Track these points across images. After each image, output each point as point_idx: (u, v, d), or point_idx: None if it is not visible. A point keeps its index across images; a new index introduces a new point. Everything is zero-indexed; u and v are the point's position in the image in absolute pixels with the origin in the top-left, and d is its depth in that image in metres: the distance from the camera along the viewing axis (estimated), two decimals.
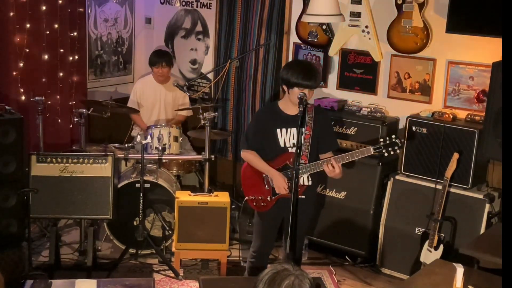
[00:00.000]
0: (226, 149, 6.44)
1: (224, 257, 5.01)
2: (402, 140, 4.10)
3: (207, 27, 6.48)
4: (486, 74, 4.81)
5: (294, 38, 5.85)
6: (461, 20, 4.71)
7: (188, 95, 5.96)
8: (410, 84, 5.28)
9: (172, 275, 5.02)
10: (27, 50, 5.67)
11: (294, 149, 4.10)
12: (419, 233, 4.91)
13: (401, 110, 5.30)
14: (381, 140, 4.09)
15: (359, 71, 5.54)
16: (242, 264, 5.16)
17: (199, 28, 6.55)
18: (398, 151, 4.09)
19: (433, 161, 4.89)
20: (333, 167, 4.03)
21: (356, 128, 5.22)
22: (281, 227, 4.38)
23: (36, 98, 5.14)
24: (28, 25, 5.65)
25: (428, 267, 4.00)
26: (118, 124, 6.23)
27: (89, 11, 6.34)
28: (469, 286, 3.40)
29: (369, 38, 5.31)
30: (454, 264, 3.46)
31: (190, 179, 6.42)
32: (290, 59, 5.86)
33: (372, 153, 4.07)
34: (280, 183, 4.10)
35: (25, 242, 4.77)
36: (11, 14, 5.52)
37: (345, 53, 5.59)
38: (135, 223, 5.20)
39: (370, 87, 5.49)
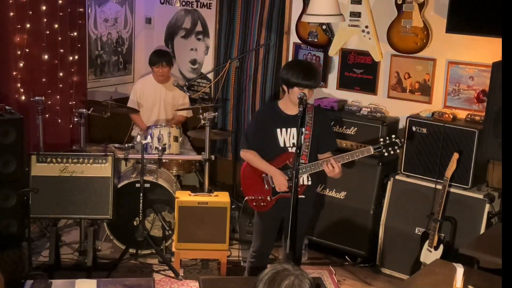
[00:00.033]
0: (226, 149, 6.44)
1: (224, 257, 5.01)
2: (402, 140, 4.10)
3: (207, 27, 6.48)
4: (486, 74, 4.81)
5: (294, 38, 5.85)
6: (461, 20, 4.71)
7: (188, 95, 5.96)
8: (410, 84, 5.28)
9: (172, 275, 5.02)
10: (27, 50, 5.68)
11: (294, 149, 4.10)
12: (419, 233, 4.91)
13: (401, 110, 5.30)
14: (381, 139, 4.09)
15: (359, 71, 5.54)
16: (242, 264, 5.16)
17: (199, 28, 6.55)
18: (398, 150, 4.09)
19: (433, 161, 4.89)
20: (333, 167, 4.03)
21: (356, 128, 5.22)
22: (280, 227, 4.38)
23: (36, 98, 5.14)
24: (28, 25, 5.65)
25: (428, 267, 4.00)
26: (118, 124, 6.23)
27: (89, 11, 6.34)
28: (469, 286, 3.40)
29: (369, 38, 5.31)
30: (454, 264, 3.46)
31: (190, 179, 6.42)
32: (290, 59, 5.86)
33: (372, 152, 4.07)
34: (280, 181, 4.10)
35: (25, 242, 4.77)
36: (11, 14, 5.52)
37: (345, 53, 5.59)
38: (135, 223, 5.20)
39: (370, 87, 5.49)
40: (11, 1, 5.51)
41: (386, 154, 4.09)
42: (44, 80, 5.85)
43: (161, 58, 6.02)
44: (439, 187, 4.76)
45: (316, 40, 5.69)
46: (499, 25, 4.02)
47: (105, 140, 5.57)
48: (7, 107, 4.76)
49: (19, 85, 5.68)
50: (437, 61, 5.13)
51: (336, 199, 5.28)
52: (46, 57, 5.83)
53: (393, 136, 4.08)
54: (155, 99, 6.10)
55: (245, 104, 6.23)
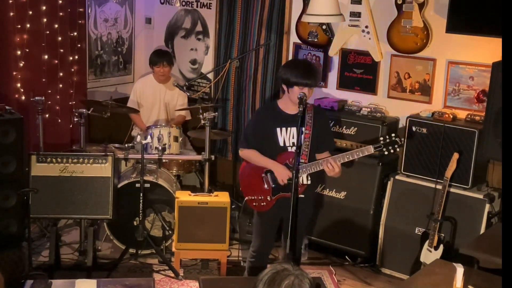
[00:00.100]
0: (226, 149, 6.44)
1: (224, 257, 5.01)
2: (402, 139, 4.10)
3: (207, 27, 6.48)
4: (486, 74, 4.81)
5: (294, 38, 5.85)
6: (461, 20, 4.71)
7: (188, 95, 5.96)
8: (410, 84, 5.28)
9: (172, 275, 5.02)
10: (27, 50, 5.67)
11: (293, 149, 4.10)
12: (419, 233, 4.91)
13: (401, 110, 5.30)
14: (381, 138, 4.09)
15: (359, 71, 5.54)
16: (242, 264, 5.16)
17: (199, 28, 6.55)
18: (398, 149, 4.09)
19: (433, 161, 4.89)
20: (333, 167, 4.03)
21: (356, 128, 5.22)
22: (280, 227, 4.38)
23: (36, 98, 5.14)
24: (28, 25, 5.65)
25: (428, 267, 4.00)
26: (118, 124, 6.23)
27: (89, 11, 6.34)
28: (469, 286, 3.40)
29: (369, 38, 5.31)
30: (454, 264, 3.46)
31: (190, 179, 6.42)
32: (290, 59, 5.85)
33: (373, 152, 4.07)
34: (282, 173, 4.09)
35: (25, 242, 4.77)
36: (11, 14, 5.52)
37: (345, 53, 5.59)
38: (135, 223, 5.20)
39: (370, 87, 5.49)
40: (11, 1, 5.51)
41: (386, 153, 4.09)
42: (44, 80, 5.85)
43: (162, 58, 6.02)
44: (439, 187, 4.76)
45: (316, 40, 5.69)
46: (499, 25, 4.02)
47: (105, 140, 5.57)
48: (7, 107, 4.76)
49: (19, 85, 5.68)
50: (437, 61, 5.13)
51: (336, 199, 5.28)
52: (46, 57, 5.83)
53: (393, 135, 4.08)
54: (155, 99, 6.10)
55: (245, 104, 6.23)
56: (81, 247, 5.13)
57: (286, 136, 4.15)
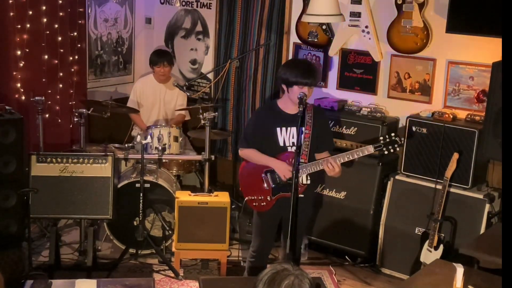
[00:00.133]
0: (226, 149, 6.44)
1: (224, 257, 5.01)
2: (402, 138, 4.10)
3: (207, 27, 6.48)
4: (486, 74, 4.81)
5: (294, 38, 5.85)
6: (461, 20, 4.71)
7: (188, 95, 5.96)
8: (410, 84, 5.28)
9: (172, 275, 5.02)
10: (27, 50, 5.67)
11: (293, 148, 4.10)
12: (419, 233, 4.91)
13: (401, 110, 5.30)
14: (381, 138, 4.10)
15: (359, 71, 5.54)
16: (242, 264, 5.16)
17: (199, 28, 6.55)
18: (398, 149, 4.10)
19: (433, 161, 4.89)
20: (333, 166, 4.03)
21: (356, 128, 5.21)
22: (279, 227, 4.38)
23: (36, 98, 5.14)
24: (28, 25, 5.65)
25: (428, 267, 4.00)
26: (118, 124, 6.23)
27: (89, 11, 6.34)
28: (469, 286, 3.40)
29: (369, 38, 5.31)
30: (454, 264, 3.46)
31: (190, 179, 6.42)
32: (289, 59, 5.85)
33: (373, 151, 4.08)
34: (283, 169, 4.08)
35: (25, 242, 4.77)
36: (11, 14, 5.52)
37: (345, 53, 5.59)
38: (135, 223, 5.20)
39: (370, 87, 5.49)
40: (11, 1, 5.51)
41: (386, 152, 4.09)
42: (44, 80, 5.86)
43: (162, 57, 6.02)
44: (439, 187, 4.76)
45: (316, 40, 5.69)
46: (499, 25, 4.02)
47: (105, 140, 5.57)
48: (7, 107, 4.76)
49: (19, 85, 5.68)
50: (437, 61, 5.13)
51: (336, 199, 5.28)
52: (46, 57, 5.83)
53: (393, 134, 4.09)
54: (155, 99, 6.10)
55: (245, 104, 6.23)
56: (81, 247, 5.13)
57: (286, 136, 4.15)
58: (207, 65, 6.54)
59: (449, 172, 4.64)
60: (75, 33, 6.06)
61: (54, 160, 4.73)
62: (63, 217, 5.28)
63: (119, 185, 5.20)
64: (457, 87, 5.06)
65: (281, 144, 4.15)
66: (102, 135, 6.15)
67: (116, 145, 5.59)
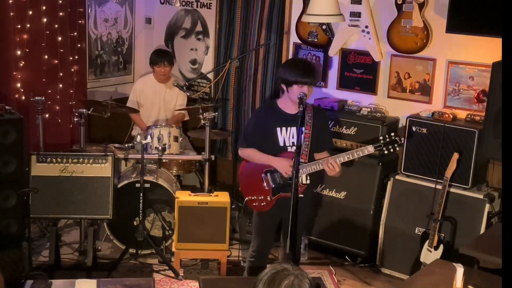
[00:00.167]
0: (226, 149, 6.44)
1: (224, 257, 5.01)
2: (402, 138, 4.11)
3: (207, 27, 6.48)
4: (486, 74, 4.80)
5: (294, 38, 5.85)
6: (461, 20, 4.71)
7: (188, 95, 5.96)
8: (410, 84, 5.28)
9: (172, 275, 5.02)
10: (27, 50, 5.67)
11: (293, 148, 4.10)
12: (419, 233, 4.91)
13: (401, 110, 5.30)
14: (381, 138, 4.10)
15: (359, 71, 5.54)
16: (242, 264, 5.16)
17: (199, 28, 6.55)
18: (397, 148, 4.10)
19: (433, 161, 4.89)
20: (333, 166, 4.04)
21: (356, 128, 5.21)
22: (279, 227, 4.38)
23: (36, 98, 5.14)
24: (28, 25, 5.65)
25: (428, 267, 4.01)
26: (118, 124, 6.23)
27: (89, 11, 6.34)
28: (469, 286, 3.40)
29: (369, 38, 5.31)
30: (454, 264, 3.46)
31: (190, 179, 6.42)
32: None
33: (373, 151, 4.08)
34: (285, 166, 4.08)
35: (25, 242, 4.76)
36: (11, 14, 5.52)
37: (345, 53, 5.59)
38: (135, 223, 5.20)
39: (370, 87, 5.49)
40: (11, 1, 5.51)
41: (386, 152, 4.10)
42: (44, 80, 5.86)
43: (163, 57, 6.02)
44: (439, 187, 4.76)
45: (316, 40, 5.69)
46: (499, 25, 4.02)
47: (105, 140, 5.57)
48: (7, 107, 4.76)
49: (19, 85, 5.68)
50: (437, 61, 5.13)
51: (336, 199, 5.28)
52: (46, 57, 5.83)
53: (393, 134, 4.09)
54: (154, 99, 6.10)
55: (245, 104, 6.23)
56: (81, 247, 5.13)
57: (286, 136, 4.15)
58: (207, 65, 6.54)
59: (449, 172, 4.64)
60: (75, 33, 6.06)
61: (54, 160, 4.73)
62: (63, 217, 5.28)
63: (119, 185, 5.20)
64: (457, 87, 5.06)
65: (281, 144, 4.15)
66: (102, 135, 6.15)
67: (116, 145, 5.59)
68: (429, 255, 4.67)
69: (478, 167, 4.79)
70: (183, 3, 6.61)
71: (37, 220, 5.40)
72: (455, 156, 4.65)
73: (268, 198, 4.21)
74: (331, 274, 5.17)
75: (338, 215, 5.27)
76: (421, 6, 5.02)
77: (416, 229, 4.95)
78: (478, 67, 4.93)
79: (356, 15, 5.29)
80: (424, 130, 4.93)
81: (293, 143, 4.13)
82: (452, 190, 4.78)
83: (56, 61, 5.92)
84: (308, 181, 4.19)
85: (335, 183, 5.18)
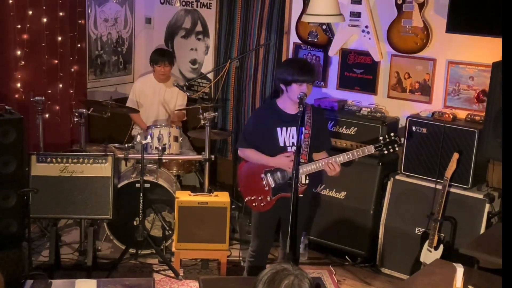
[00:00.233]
0: (226, 149, 6.44)
1: (224, 257, 5.01)
2: (402, 138, 4.11)
3: (207, 27, 6.48)
4: (486, 74, 4.80)
5: (294, 38, 5.84)
6: (461, 20, 4.71)
7: (188, 95, 5.96)
8: (410, 84, 5.28)
9: (172, 275, 5.02)
10: (27, 50, 5.67)
11: (293, 148, 4.10)
12: (419, 233, 4.91)
13: (401, 110, 5.30)
14: (381, 138, 4.11)
15: (359, 71, 5.54)
16: (242, 264, 5.16)
17: (199, 28, 6.55)
18: (397, 149, 4.12)
19: (433, 161, 4.89)
20: (334, 167, 4.04)
21: (356, 128, 5.21)
22: (278, 226, 4.38)
23: (36, 98, 5.14)
24: (28, 25, 5.65)
25: (428, 267, 4.00)
26: (118, 124, 6.23)
27: (89, 11, 6.34)
28: (469, 286, 3.40)
29: (369, 38, 5.31)
30: (454, 264, 3.46)
31: (190, 179, 6.42)
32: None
33: (373, 151, 4.09)
34: (287, 162, 4.07)
35: (25, 242, 4.76)
36: (11, 14, 5.52)
37: (345, 53, 5.59)
38: (135, 223, 5.20)
39: (370, 87, 5.49)
40: (11, 1, 5.51)
41: (386, 152, 4.12)
42: (44, 80, 5.85)
43: (164, 57, 6.03)
44: (439, 187, 4.76)
45: (316, 40, 5.69)
46: (499, 25, 4.02)
47: (105, 140, 5.57)
48: (7, 107, 4.76)
49: (19, 85, 5.68)
50: (437, 61, 5.13)
51: (336, 199, 5.28)
52: (46, 57, 5.83)
53: (392, 134, 4.11)
54: (154, 98, 6.10)
55: (245, 104, 6.23)
56: (81, 247, 5.13)
57: (286, 136, 4.15)
58: (207, 65, 6.54)
59: (449, 172, 4.64)
60: (75, 33, 6.06)
61: (54, 160, 4.73)
62: (63, 217, 5.28)
63: (119, 185, 5.20)
64: (457, 87, 5.05)
65: (281, 144, 4.15)
66: (102, 135, 6.15)
67: (116, 145, 5.58)
68: (429, 255, 4.67)
69: (478, 167, 4.79)
70: (183, 3, 6.61)
71: (37, 220, 5.40)
72: (455, 156, 4.65)
73: (268, 198, 4.21)
74: (331, 274, 5.17)
75: (338, 215, 5.27)
76: (421, 6, 5.02)
77: (416, 229, 4.95)
78: (478, 67, 4.93)
79: (356, 15, 5.29)
80: (424, 130, 4.93)
81: (293, 143, 4.13)
82: (452, 190, 4.78)
83: (56, 61, 5.92)
84: (307, 181, 4.19)
85: (335, 183, 5.18)
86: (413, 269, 4.72)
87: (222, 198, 5.05)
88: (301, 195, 4.11)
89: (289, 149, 4.14)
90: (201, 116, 5.18)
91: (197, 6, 6.52)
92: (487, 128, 4.38)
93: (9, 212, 4.66)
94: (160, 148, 5.30)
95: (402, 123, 5.20)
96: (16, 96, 5.67)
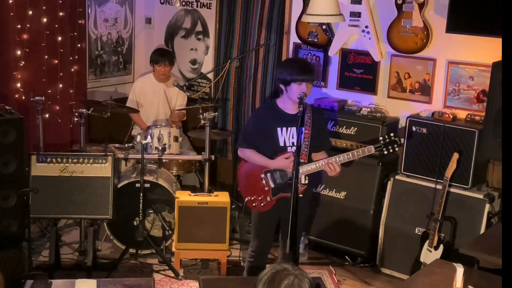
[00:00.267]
0: (226, 149, 6.44)
1: (224, 257, 5.01)
2: (401, 139, 4.11)
3: (207, 27, 6.48)
4: (486, 74, 4.80)
5: (294, 38, 5.84)
6: (461, 20, 4.71)
7: (188, 95, 5.96)
8: (410, 84, 5.28)
9: (172, 275, 5.02)
10: (27, 50, 5.67)
11: (293, 149, 4.10)
12: (419, 233, 4.91)
13: (401, 110, 5.30)
14: (381, 138, 4.12)
15: (359, 71, 5.54)
16: (242, 264, 5.16)
17: (199, 28, 6.55)
18: (397, 149, 4.12)
19: (433, 161, 4.89)
20: (334, 167, 4.04)
21: (356, 128, 5.21)
22: (277, 226, 4.38)
23: (36, 98, 5.14)
24: (28, 25, 5.65)
25: (428, 267, 4.00)
26: (118, 124, 6.23)
27: (89, 11, 6.34)
28: (469, 286, 3.40)
29: (369, 38, 5.31)
30: (454, 264, 3.46)
31: (190, 179, 6.42)
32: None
33: (373, 152, 4.09)
34: (287, 163, 4.07)
35: (25, 242, 4.76)
36: (11, 14, 5.52)
37: (345, 53, 5.59)
38: (135, 223, 5.20)
39: (370, 87, 5.49)
40: (11, 1, 5.51)
41: (385, 152, 4.12)
42: (44, 80, 5.86)
43: (164, 57, 6.03)
44: (439, 187, 4.76)
45: (316, 40, 5.69)
46: (499, 25, 4.02)
47: (105, 140, 5.57)
48: (7, 107, 4.76)
49: (19, 85, 5.68)
50: (437, 61, 5.13)
51: (336, 199, 5.28)
52: (46, 57, 5.83)
53: (392, 134, 4.11)
54: (154, 98, 6.10)
55: (245, 104, 6.23)
56: (81, 247, 5.13)
57: (287, 136, 4.15)
58: (207, 65, 6.54)
59: (449, 172, 4.64)
60: (75, 33, 6.06)
61: (54, 160, 4.73)
62: (63, 217, 5.28)
63: (119, 185, 5.20)
64: (457, 87, 5.05)
65: (281, 144, 4.15)
66: (102, 135, 6.15)
67: (116, 145, 5.59)
68: (429, 255, 4.67)
69: (478, 167, 4.79)
70: (183, 3, 6.61)
71: (37, 220, 5.40)
72: (455, 156, 4.65)
73: (268, 199, 4.21)
74: (331, 274, 5.17)
75: (338, 215, 5.27)
76: (421, 6, 5.02)
77: (416, 229, 4.95)
78: (478, 67, 4.93)
79: (356, 15, 5.29)
80: (424, 130, 4.93)
81: (293, 143, 4.13)
82: (452, 190, 4.78)
83: (56, 61, 5.92)
84: (307, 181, 4.20)
85: (335, 183, 5.18)
86: (413, 269, 4.72)
87: (222, 198, 5.05)
88: (300, 195, 4.11)
89: (289, 149, 4.14)
90: (201, 116, 5.18)
91: (197, 6, 6.52)
92: (487, 128, 4.38)
93: (9, 212, 4.66)
94: (160, 148, 5.30)
95: (402, 123, 5.20)
96: (16, 96, 5.67)
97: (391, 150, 4.10)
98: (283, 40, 5.92)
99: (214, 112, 5.32)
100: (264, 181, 4.20)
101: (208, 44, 6.51)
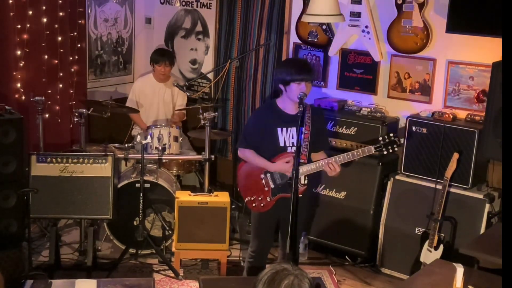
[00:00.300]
0: (226, 149, 6.44)
1: (224, 257, 5.01)
2: (401, 139, 4.12)
3: (207, 27, 6.48)
4: (486, 74, 4.80)
5: (294, 38, 5.84)
6: (461, 20, 4.71)
7: (188, 95, 5.96)
8: (410, 84, 5.28)
9: (172, 275, 5.02)
10: (27, 50, 5.67)
11: (293, 149, 4.10)
12: (419, 233, 4.91)
13: (401, 110, 5.30)
14: (381, 138, 4.11)
15: (359, 71, 5.54)
16: (242, 264, 5.16)
17: (199, 28, 6.55)
18: (396, 149, 4.12)
19: (433, 161, 4.89)
20: (334, 168, 4.04)
21: (356, 128, 5.21)
22: (277, 227, 4.38)
23: (36, 98, 5.14)
24: (28, 25, 5.65)
25: (428, 267, 4.00)
26: (118, 124, 6.23)
27: (89, 11, 6.34)
28: (469, 286, 3.40)
29: (369, 38, 5.31)
30: (454, 264, 3.46)
31: (190, 179, 6.42)
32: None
33: (373, 152, 4.09)
34: (287, 167, 4.07)
35: (25, 242, 4.76)
36: (11, 14, 5.52)
37: (345, 53, 5.59)
38: (135, 223, 5.20)
39: (370, 87, 5.49)
40: (11, 1, 5.51)
41: (385, 152, 4.12)
42: (44, 80, 5.86)
43: (164, 57, 6.03)
44: (439, 187, 4.76)
45: (316, 40, 5.69)
46: (499, 25, 4.02)
47: (105, 140, 5.57)
48: (7, 107, 4.76)
49: (19, 85, 5.68)
50: (437, 61, 5.13)
51: (336, 199, 5.28)
52: (46, 57, 5.83)
53: (392, 134, 4.11)
54: (154, 98, 6.10)
55: (245, 104, 6.23)
56: (81, 247, 5.13)
57: (287, 136, 4.15)
58: (207, 65, 6.54)
59: (449, 172, 4.64)
60: (75, 33, 6.06)
61: (54, 160, 4.73)
62: (63, 217, 5.28)
63: (119, 185, 5.20)
64: (457, 87, 5.06)
65: (282, 144, 4.15)
66: (102, 135, 6.15)
67: (116, 145, 5.59)
68: (429, 255, 4.67)
69: (478, 167, 4.79)
70: (183, 3, 6.61)
71: (37, 220, 5.40)
72: (455, 156, 4.65)
73: (268, 199, 4.21)
74: (331, 274, 5.17)
75: (338, 215, 5.27)
76: (421, 6, 5.02)
77: (416, 229, 4.95)
78: (478, 67, 4.93)
79: (356, 15, 5.29)
80: (424, 130, 4.93)
81: (293, 143, 4.13)
82: (452, 190, 4.78)
83: (56, 61, 5.92)
84: (307, 182, 4.19)
85: (335, 183, 5.18)
86: (413, 269, 4.72)
87: (222, 198, 5.05)
88: (300, 195, 4.11)
89: (289, 149, 4.14)
90: (201, 116, 5.18)
91: (197, 6, 6.52)
92: (487, 128, 4.38)
93: (9, 212, 4.66)
94: (160, 148, 5.30)
95: (402, 123, 5.20)
96: (16, 96, 5.67)
97: (391, 150, 4.10)
98: (283, 40, 5.92)
99: (214, 112, 5.32)
100: (264, 181, 4.20)
101: (208, 44, 6.51)
